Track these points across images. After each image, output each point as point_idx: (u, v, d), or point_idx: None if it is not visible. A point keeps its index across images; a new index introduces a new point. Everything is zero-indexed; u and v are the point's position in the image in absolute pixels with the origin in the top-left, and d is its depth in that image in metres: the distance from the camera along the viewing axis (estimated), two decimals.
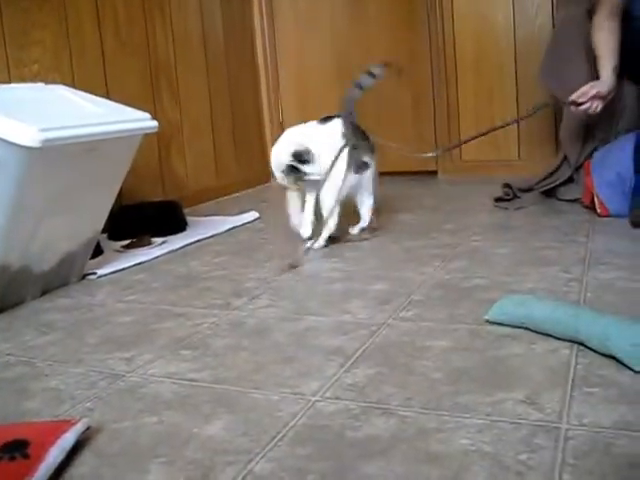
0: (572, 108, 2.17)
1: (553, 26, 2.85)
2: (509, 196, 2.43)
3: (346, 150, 1.92)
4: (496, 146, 3.14)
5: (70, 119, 1.56)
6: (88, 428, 0.91)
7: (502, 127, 2.39)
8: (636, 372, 0.97)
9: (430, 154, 2.20)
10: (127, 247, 2.12)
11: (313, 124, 2.04)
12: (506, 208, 2.34)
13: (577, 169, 2.37)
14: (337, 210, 1.94)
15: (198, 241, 2.19)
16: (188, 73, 2.98)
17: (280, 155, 1.96)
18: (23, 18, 2.18)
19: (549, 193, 2.42)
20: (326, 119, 2.03)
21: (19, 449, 0.82)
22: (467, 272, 1.59)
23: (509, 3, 3.04)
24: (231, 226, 2.38)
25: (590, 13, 2.21)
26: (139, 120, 1.75)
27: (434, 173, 3.31)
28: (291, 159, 1.90)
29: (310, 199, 2.00)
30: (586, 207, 2.18)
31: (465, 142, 2.20)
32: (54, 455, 0.82)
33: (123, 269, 1.87)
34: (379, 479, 0.76)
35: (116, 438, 0.91)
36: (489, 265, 1.63)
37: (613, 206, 2.05)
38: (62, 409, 1.01)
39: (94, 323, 1.43)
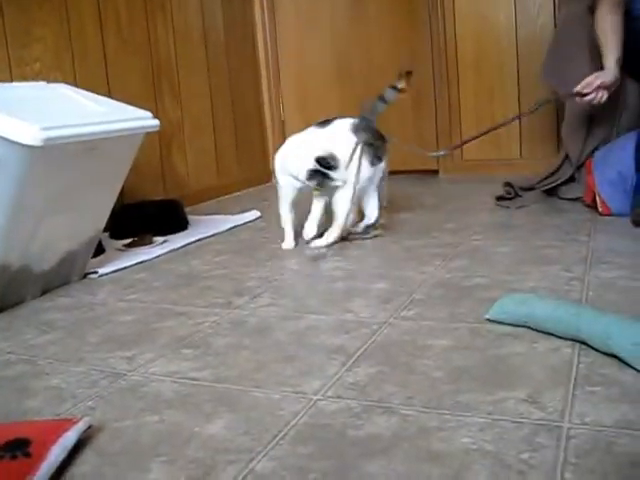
0: (577, 99, 2.17)
1: (555, 26, 2.85)
2: (510, 195, 2.43)
3: (359, 147, 1.92)
4: (497, 145, 3.14)
5: (72, 118, 1.56)
6: (89, 427, 0.91)
7: (512, 121, 2.40)
8: (638, 371, 0.97)
9: (441, 152, 2.21)
10: (128, 246, 2.12)
11: (313, 129, 2.02)
12: (507, 207, 2.33)
13: (579, 168, 2.37)
14: (352, 209, 1.94)
15: (199, 240, 2.19)
16: (189, 72, 2.98)
17: (301, 159, 1.91)
18: (24, 17, 2.18)
19: (550, 192, 2.42)
20: (325, 122, 2.02)
21: (21, 448, 0.81)
22: (468, 271, 1.59)
23: (511, 3, 3.04)
24: (232, 225, 2.38)
25: (592, 9, 2.20)
26: (141, 119, 1.75)
27: (435, 172, 3.31)
28: (316, 164, 1.87)
29: (318, 201, 1.98)
30: (587, 206, 2.17)
31: (475, 138, 2.20)
32: (56, 454, 0.82)
33: (124, 268, 1.87)
34: (380, 478, 0.76)
35: (117, 437, 0.91)
36: (490, 264, 1.63)
37: (615, 205, 2.05)
38: (63, 408, 1.01)
39: (95, 322, 1.43)
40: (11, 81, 2.08)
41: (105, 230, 1.94)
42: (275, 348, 1.20)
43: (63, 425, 0.88)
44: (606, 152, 2.18)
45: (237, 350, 1.20)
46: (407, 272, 1.63)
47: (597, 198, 2.09)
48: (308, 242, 1.96)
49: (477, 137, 2.21)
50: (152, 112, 1.80)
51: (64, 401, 1.04)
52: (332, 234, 1.93)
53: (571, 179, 2.40)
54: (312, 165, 1.87)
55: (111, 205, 1.80)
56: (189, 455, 0.85)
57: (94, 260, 1.88)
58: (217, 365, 1.14)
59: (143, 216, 2.31)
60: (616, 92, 2.20)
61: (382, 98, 2.01)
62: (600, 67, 2.14)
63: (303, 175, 1.89)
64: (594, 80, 2.10)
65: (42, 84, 1.83)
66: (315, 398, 0.98)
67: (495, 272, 1.56)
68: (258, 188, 3.41)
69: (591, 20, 2.20)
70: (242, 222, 2.43)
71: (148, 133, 1.76)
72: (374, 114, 2.00)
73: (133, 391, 1.06)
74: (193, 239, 2.18)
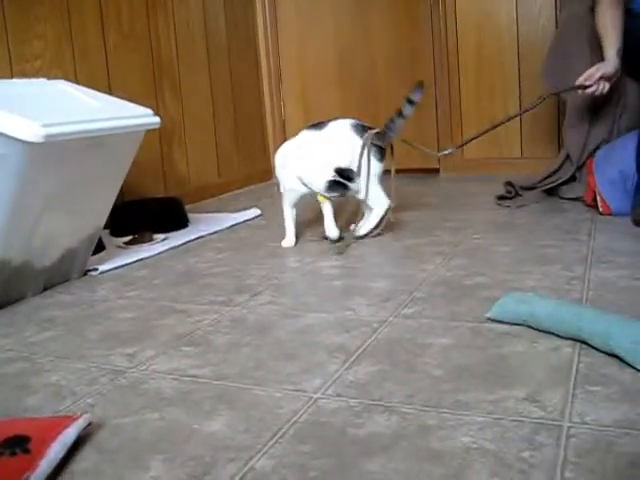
0: (579, 92, 2.18)
1: (556, 27, 2.85)
2: (511, 194, 2.43)
3: (367, 147, 1.94)
4: (498, 144, 3.13)
5: (72, 115, 1.56)
6: (89, 424, 0.91)
7: (518, 116, 2.41)
8: (638, 370, 0.97)
9: (449, 150, 2.22)
10: (129, 243, 2.12)
11: (308, 132, 2.01)
12: (508, 206, 2.34)
13: (579, 167, 2.37)
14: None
15: (200, 238, 2.19)
16: (190, 69, 2.98)
17: (315, 170, 1.91)
18: (25, 13, 2.18)
19: (551, 191, 2.42)
20: (319, 125, 2.01)
21: (20, 444, 0.81)
22: (469, 270, 1.59)
23: (512, 1, 3.03)
24: (233, 223, 2.38)
25: (593, 10, 2.20)
26: (141, 116, 1.74)
27: (436, 171, 3.31)
28: (336, 175, 1.87)
29: (328, 205, 1.98)
30: (588, 205, 2.17)
31: (481, 135, 2.20)
32: (55, 450, 0.82)
33: (125, 265, 1.87)
34: (380, 476, 0.76)
35: (117, 434, 0.91)
36: (491, 263, 1.63)
37: (615, 204, 2.05)
38: (63, 405, 1.01)
39: (95, 319, 1.43)
40: (11, 78, 2.08)
41: (105, 227, 1.94)
42: (275, 346, 1.20)
43: (63, 422, 0.88)
44: (608, 151, 2.18)
45: (237, 348, 1.20)
46: (408, 270, 1.63)
47: (598, 198, 2.09)
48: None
49: (485, 132, 2.21)
50: (153, 109, 1.80)
51: (64, 398, 1.04)
52: (372, 220, 2.00)
53: (572, 179, 2.40)
54: (332, 176, 1.88)
55: (111, 202, 1.80)
56: (189, 452, 0.85)
57: (94, 257, 1.88)
58: (217, 363, 1.14)
59: (143, 213, 2.31)
60: (616, 89, 2.20)
61: (400, 114, 2.02)
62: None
63: (322, 187, 1.89)
64: (595, 72, 2.11)
65: (42, 81, 1.82)
66: (315, 396, 0.98)
67: (496, 271, 1.56)
68: (259, 186, 3.41)
69: (592, 21, 2.20)
70: (242, 220, 2.43)
71: (149, 130, 1.76)
72: (396, 131, 2.02)
73: (133, 388, 1.06)
74: (193, 237, 2.18)
